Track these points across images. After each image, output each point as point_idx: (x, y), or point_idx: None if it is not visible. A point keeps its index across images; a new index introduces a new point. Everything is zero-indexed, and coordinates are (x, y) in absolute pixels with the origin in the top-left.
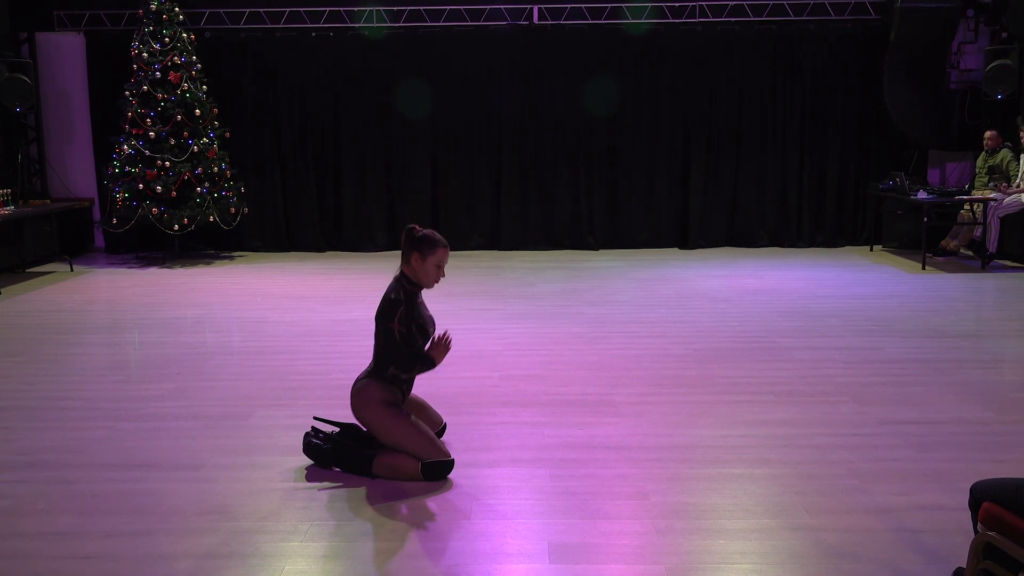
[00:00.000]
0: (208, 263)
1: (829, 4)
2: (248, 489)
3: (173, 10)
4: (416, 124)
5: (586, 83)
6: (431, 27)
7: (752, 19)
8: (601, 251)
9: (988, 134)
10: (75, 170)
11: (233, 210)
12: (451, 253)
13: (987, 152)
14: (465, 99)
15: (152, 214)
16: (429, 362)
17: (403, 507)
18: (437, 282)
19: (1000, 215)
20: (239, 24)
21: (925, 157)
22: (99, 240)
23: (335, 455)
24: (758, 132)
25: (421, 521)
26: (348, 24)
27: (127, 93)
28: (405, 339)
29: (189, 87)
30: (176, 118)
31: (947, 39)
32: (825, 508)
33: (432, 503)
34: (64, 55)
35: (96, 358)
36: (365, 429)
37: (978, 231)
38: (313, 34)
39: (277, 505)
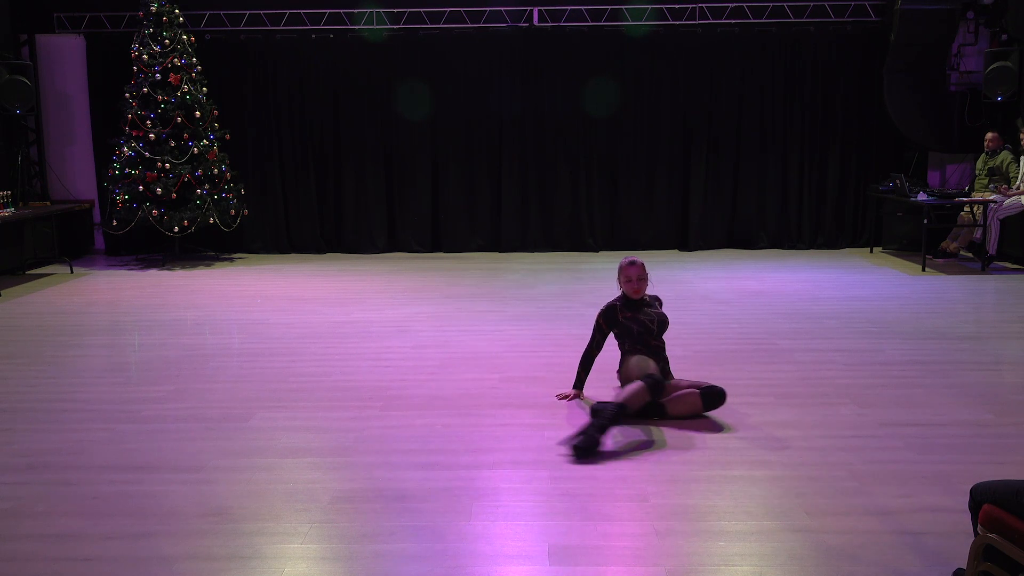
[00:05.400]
0: (208, 265)
1: (829, 6)
2: (248, 491)
3: (173, 12)
4: (416, 126)
5: (586, 85)
6: (431, 29)
7: (752, 21)
8: (601, 253)
9: (988, 136)
10: (75, 172)
11: (233, 212)
12: (451, 255)
13: (987, 154)
14: (465, 101)
15: (152, 216)
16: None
17: (404, 508)
18: (638, 292)
19: (1000, 217)
20: (239, 26)
21: (925, 159)
22: (99, 242)
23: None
24: (758, 134)
25: (421, 523)
26: (348, 26)
27: (127, 95)
28: (595, 332)
29: (189, 89)
30: (176, 120)
31: (947, 41)
32: (825, 510)
33: (433, 504)
34: (64, 57)
35: (96, 360)
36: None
37: (978, 233)
38: (313, 36)
39: (277, 507)
